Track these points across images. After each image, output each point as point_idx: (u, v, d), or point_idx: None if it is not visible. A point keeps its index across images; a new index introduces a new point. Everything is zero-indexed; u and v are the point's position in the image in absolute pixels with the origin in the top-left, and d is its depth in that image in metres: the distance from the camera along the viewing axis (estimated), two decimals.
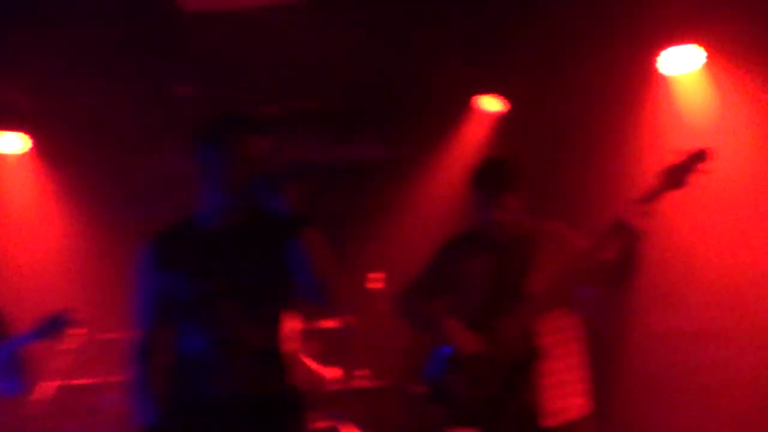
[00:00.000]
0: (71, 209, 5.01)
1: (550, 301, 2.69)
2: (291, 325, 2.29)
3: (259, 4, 3.83)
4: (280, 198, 2.12)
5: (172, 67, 4.36)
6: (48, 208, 5.01)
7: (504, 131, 4.83)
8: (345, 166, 5.20)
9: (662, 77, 4.44)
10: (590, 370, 2.79)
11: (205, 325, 2.16)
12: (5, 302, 3.36)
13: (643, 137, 4.39)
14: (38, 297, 4.17)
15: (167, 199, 4.18)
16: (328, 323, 4.24)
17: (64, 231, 5.01)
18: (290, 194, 2.12)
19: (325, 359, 4.15)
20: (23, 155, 4.89)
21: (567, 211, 3.01)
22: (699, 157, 2.53)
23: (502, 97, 4.83)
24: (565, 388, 2.71)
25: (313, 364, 4.02)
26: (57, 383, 3.88)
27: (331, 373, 4.11)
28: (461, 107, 4.89)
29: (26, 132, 4.83)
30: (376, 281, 4.40)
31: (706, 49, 4.26)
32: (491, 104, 4.87)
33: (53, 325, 3.24)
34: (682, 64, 4.36)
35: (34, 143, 4.87)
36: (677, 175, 2.52)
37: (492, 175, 2.82)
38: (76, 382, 4.18)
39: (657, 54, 4.35)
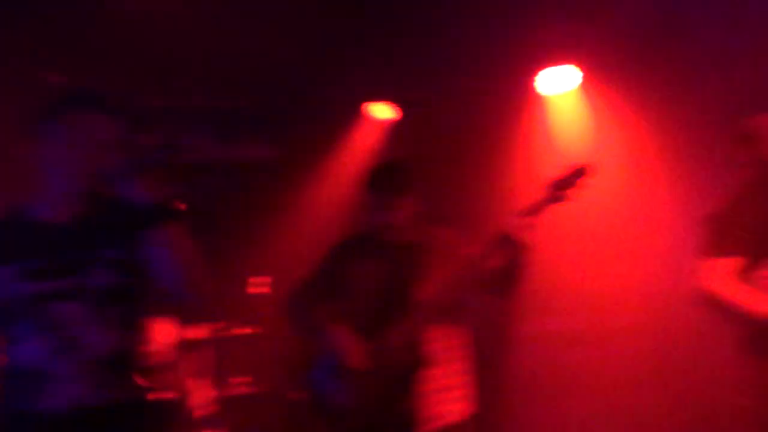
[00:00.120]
0: None
1: (438, 309, 2.72)
2: (165, 334, 2.17)
3: None
4: (137, 186, 1.89)
5: (47, 56, 4.09)
6: None
7: (394, 138, 4.90)
8: (234, 165, 5.07)
9: (540, 96, 4.67)
10: (474, 375, 2.86)
11: (42, 329, 1.90)
12: None
13: (521, 153, 4.60)
14: None
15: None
16: (207, 332, 4.10)
17: None
18: (150, 182, 1.90)
19: (204, 368, 4.02)
20: None
21: (456, 219, 3.09)
22: (580, 172, 2.62)
23: (393, 105, 4.90)
24: (445, 393, 2.76)
25: (186, 376, 3.86)
26: None
27: (204, 388, 3.95)
28: (353, 113, 4.93)
29: None
30: (260, 285, 4.32)
31: (582, 70, 4.51)
32: (382, 111, 4.93)
33: None
34: (559, 84, 4.60)
35: None
36: (560, 189, 2.61)
37: (386, 177, 2.83)
38: None
39: (536, 73, 4.56)
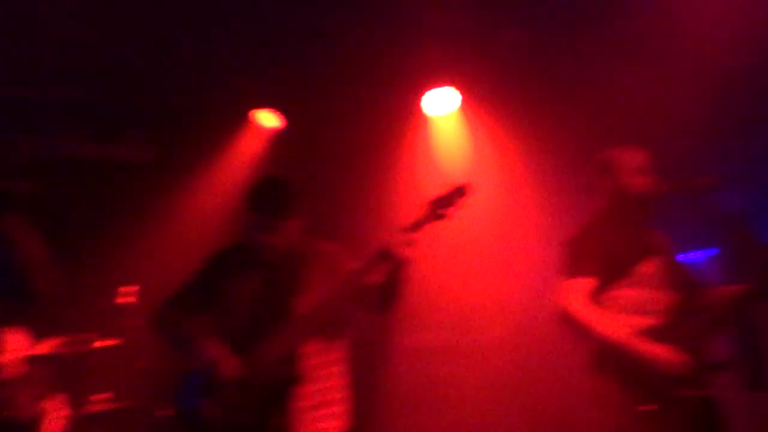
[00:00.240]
0: None
1: (316, 323, 2.70)
2: (14, 346, 2.03)
3: None
4: None
5: None
6: None
7: (279, 148, 4.84)
8: (103, 165, 4.74)
9: (425, 116, 4.82)
10: (351, 390, 2.84)
11: None
12: None
13: (404, 171, 4.72)
14: None
15: None
16: (63, 345, 3.82)
17: None
18: None
19: (59, 384, 3.76)
20: None
21: (337, 233, 3.10)
22: (459, 192, 2.70)
23: (279, 114, 4.84)
24: (321, 410, 2.72)
25: (38, 393, 3.58)
26: None
27: (58, 406, 3.67)
28: (238, 119, 4.82)
29: None
30: (127, 295, 4.11)
31: (462, 93, 4.70)
32: (268, 119, 4.86)
33: None
34: (442, 105, 4.77)
35: None
36: (439, 207, 2.67)
37: (270, 198, 2.75)
38: None
39: (422, 93, 4.70)
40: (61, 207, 4.34)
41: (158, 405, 3.64)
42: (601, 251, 2.86)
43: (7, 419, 1.89)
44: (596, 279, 2.84)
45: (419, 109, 4.79)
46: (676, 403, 2.71)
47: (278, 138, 4.90)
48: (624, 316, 2.83)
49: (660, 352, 2.72)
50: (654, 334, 2.79)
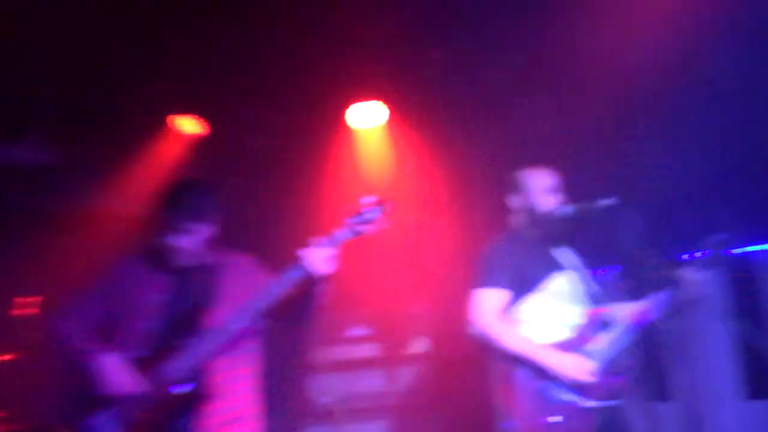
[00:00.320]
0: None
1: (227, 337, 2.61)
2: None
3: None
4: None
5: None
6: None
7: (199, 155, 4.72)
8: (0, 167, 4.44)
9: (350, 129, 4.80)
10: (263, 405, 2.77)
11: None
12: None
13: (328, 183, 4.70)
14: None
15: None
16: None
17: None
18: None
19: None
20: None
21: (254, 244, 3.02)
22: (381, 206, 2.66)
23: (202, 120, 4.72)
24: (233, 426, 2.63)
25: None
26: None
27: None
28: (157, 123, 4.65)
29: None
30: (27, 306, 3.85)
31: (388, 107, 4.72)
32: (189, 125, 4.73)
33: None
34: (368, 118, 4.78)
35: None
36: (361, 222, 2.64)
37: (184, 198, 2.68)
38: None
39: (347, 106, 4.69)
40: None
41: (56, 425, 3.43)
42: (511, 264, 2.98)
43: None
44: (506, 291, 2.95)
45: (344, 122, 4.77)
46: (581, 413, 2.80)
47: (199, 145, 4.78)
48: (533, 328, 2.94)
49: (567, 362, 2.83)
50: (562, 346, 2.90)
